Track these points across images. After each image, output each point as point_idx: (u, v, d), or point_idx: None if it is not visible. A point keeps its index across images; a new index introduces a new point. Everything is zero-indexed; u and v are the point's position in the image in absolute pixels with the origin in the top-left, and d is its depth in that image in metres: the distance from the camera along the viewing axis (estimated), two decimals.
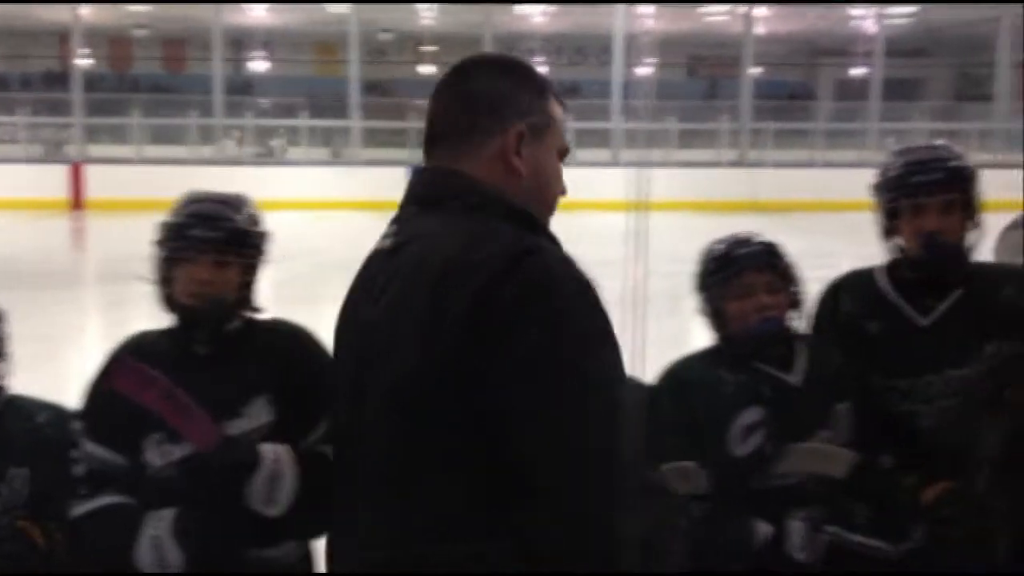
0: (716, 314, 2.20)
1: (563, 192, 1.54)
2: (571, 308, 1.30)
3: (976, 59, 29.20)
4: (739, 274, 2.17)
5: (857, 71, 27.72)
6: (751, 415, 2.11)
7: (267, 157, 21.68)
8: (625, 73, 22.80)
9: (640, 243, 1.87)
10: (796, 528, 1.98)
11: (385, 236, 1.51)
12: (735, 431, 2.11)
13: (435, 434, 1.32)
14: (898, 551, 1.96)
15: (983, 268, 2.31)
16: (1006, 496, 2.10)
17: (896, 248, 2.30)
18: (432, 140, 1.53)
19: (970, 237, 2.24)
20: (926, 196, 2.21)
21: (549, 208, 1.53)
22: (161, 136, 21.88)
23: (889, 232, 2.30)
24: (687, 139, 22.17)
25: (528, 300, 1.28)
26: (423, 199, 1.49)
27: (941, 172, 2.22)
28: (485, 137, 1.47)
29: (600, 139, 22.20)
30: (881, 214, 2.31)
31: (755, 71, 25.08)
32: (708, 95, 30.98)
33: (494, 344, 1.27)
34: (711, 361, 2.22)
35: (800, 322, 2.25)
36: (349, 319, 1.54)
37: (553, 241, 1.43)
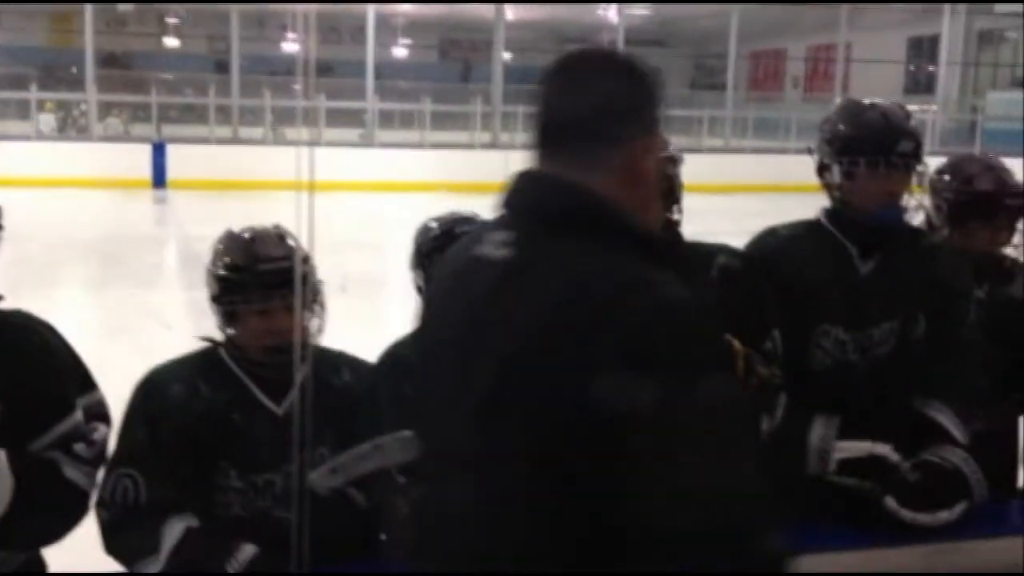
0: None
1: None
2: (709, 357, 1.29)
3: (709, 50, 31.08)
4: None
5: None
6: None
7: None
8: (378, 53, 22.67)
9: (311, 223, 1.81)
10: None
11: (494, 244, 1.37)
12: None
13: (569, 469, 1.23)
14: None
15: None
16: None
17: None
18: (550, 141, 1.40)
19: (673, 216, 2.29)
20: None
21: (656, 220, 1.48)
22: None
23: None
24: (440, 121, 22.33)
25: (679, 349, 1.23)
26: (547, 216, 1.35)
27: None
28: (612, 148, 1.36)
29: (354, 120, 22.03)
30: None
31: (506, 56, 25.56)
32: (462, 78, 31.33)
33: (649, 391, 1.19)
34: None
35: None
36: (443, 321, 1.43)
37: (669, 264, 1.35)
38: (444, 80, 28.17)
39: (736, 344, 1.95)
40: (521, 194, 1.40)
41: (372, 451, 1.92)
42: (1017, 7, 25.38)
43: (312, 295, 2.09)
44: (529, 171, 1.41)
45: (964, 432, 2.24)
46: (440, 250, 2.15)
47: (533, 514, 1.27)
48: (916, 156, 2.20)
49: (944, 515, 2.11)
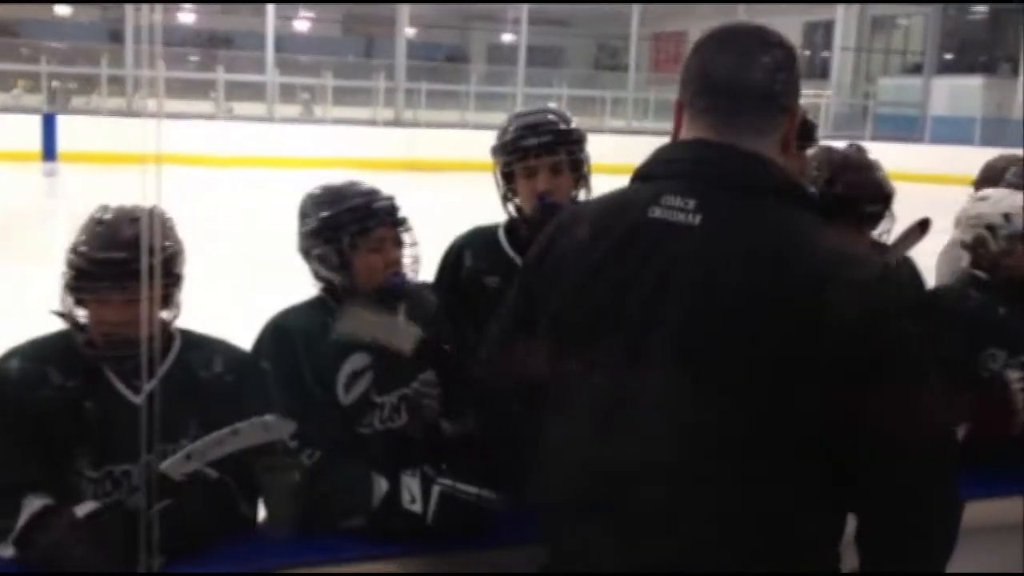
0: (343, 266, 2.17)
1: None
2: (919, 317, 1.45)
3: (611, 31, 31.29)
4: (373, 229, 2.16)
5: (507, 37, 28.80)
6: (357, 361, 2.14)
7: None
8: (279, 26, 22.22)
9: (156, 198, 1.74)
10: (408, 482, 2.00)
11: (678, 210, 1.45)
12: (342, 378, 2.13)
13: (783, 423, 1.37)
14: (503, 501, 1.99)
15: None
16: None
17: (514, 208, 2.40)
18: (721, 111, 1.49)
19: (581, 196, 2.37)
20: (535, 159, 2.32)
21: None
22: None
23: (506, 193, 2.40)
24: (342, 96, 22.04)
25: (904, 302, 1.39)
26: (734, 184, 1.45)
27: (550, 135, 2.33)
28: (780, 116, 1.49)
29: (255, 93, 21.58)
30: (498, 176, 2.40)
31: (410, 32, 25.34)
32: (365, 53, 30.95)
33: (873, 347, 1.36)
34: (318, 311, 2.20)
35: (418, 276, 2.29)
36: (621, 280, 1.48)
37: None
38: (346, 54, 27.77)
39: None
40: (699, 163, 1.48)
41: (228, 436, 1.89)
42: None
43: (171, 281, 2.03)
44: (701, 140, 1.50)
45: None
46: (352, 224, 2.14)
47: (756, 457, 1.38)
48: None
49: None
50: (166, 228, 2.04)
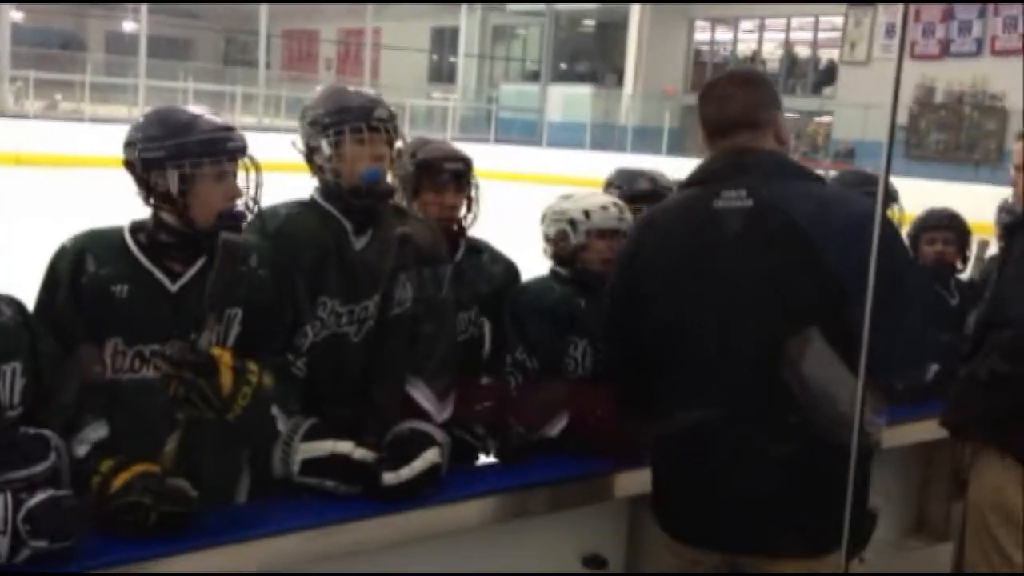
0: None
1: None
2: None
3: (241, 26, 30.57)
4: None
5: (129, 26, 27.27)
6: None
7: None
8: None
9: None
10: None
11: (733, 198, 2.11)
12: None
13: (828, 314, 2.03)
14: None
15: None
16: None
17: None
18: (733, 127, 2.19)
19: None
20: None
21: None
22: None
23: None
24: None
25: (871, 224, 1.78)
26: (765, 172, 2.14)
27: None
28: (771, 122, 2.22)
29: None
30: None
31: (17, 16, 23.31)
32: None
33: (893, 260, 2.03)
34: None
35: None
36: (695, 259, 2.15)
37: None
38: None
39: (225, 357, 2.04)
40: (737, 164, 2.15)
41: None
42: (527, 7, 27.84)
43: None
44: (733, 147, 2.18)
45: (440, 406, 2.45)
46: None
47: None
48: (392, 122, 2.44)
49: (417, 464, 2.21)
50: None
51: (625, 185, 3.13)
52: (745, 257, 2.10)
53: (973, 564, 2.69)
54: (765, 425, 2.07)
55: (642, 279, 2.24)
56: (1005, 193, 3.54)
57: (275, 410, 2.20)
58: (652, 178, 3.18)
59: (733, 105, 2.21)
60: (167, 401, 1.98)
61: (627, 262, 2.30)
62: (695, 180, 2.25)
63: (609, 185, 3.18)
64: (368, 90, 2.56)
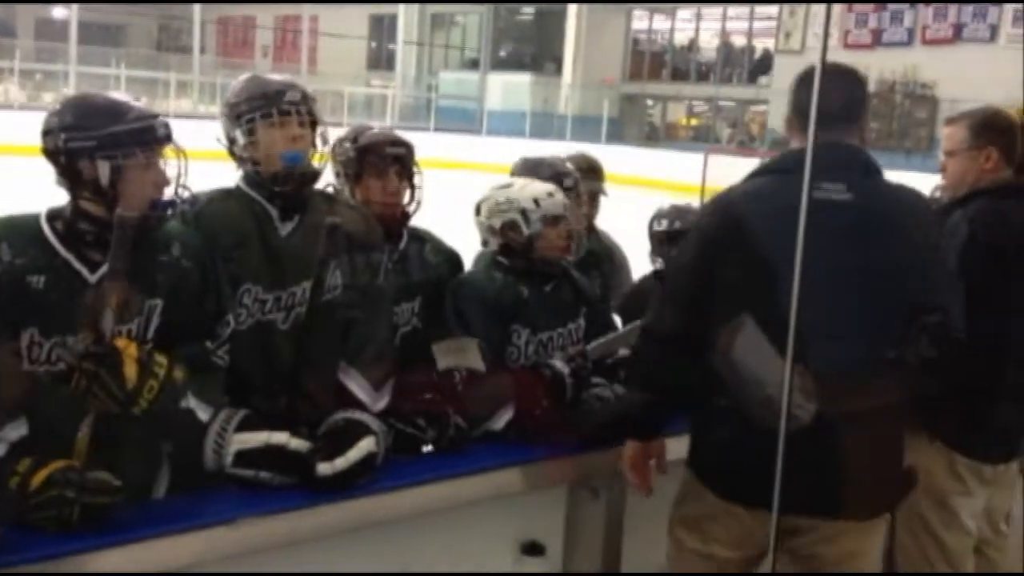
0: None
1: None
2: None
3: (173, 12, 30.06)
4: None
5: (59, 12, 26.66)
6: None
7: None
8: None
9: None
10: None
11: (834, 191, 2.16)
12: None
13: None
14: None
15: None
16: None
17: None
18: (836, 122, 2.20)
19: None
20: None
21: None
22: None
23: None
24: None
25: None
26: (860, 168, 2.26)
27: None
28: (861, 122, 2.36)
29: None
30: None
31: None
32: None
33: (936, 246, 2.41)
34: None
35: None
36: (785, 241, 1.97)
37: None
38: None
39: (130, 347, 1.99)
40: (838, 158, 2.20)
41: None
42: None
43: None
44: (834, 143, 2.21)
45: (376, 395, 2.43)
46: None
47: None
48: (306, 104, 2.42)
49: (352, 454, 2.18)
50: None
51: (530, 173, 3.11)
52: (850, 250, 2.15)
53: (904, 545, 2.76)
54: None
55: (731, 260, 2.21)
56: (936, 180, 3.60)
57: (192, 401, 2.13)
58: (552, 164, 3.19)
59: (836, 97, 2.20)
60: (71, 393, 1.92)
61: (711, 239, 2.27)
62: (784, 167, 2.25)
63: (514, 174, 3.16)
64: (283, 76, 2.54)
